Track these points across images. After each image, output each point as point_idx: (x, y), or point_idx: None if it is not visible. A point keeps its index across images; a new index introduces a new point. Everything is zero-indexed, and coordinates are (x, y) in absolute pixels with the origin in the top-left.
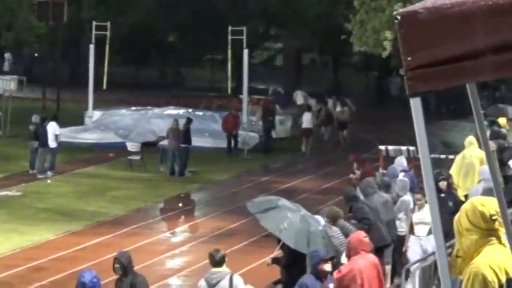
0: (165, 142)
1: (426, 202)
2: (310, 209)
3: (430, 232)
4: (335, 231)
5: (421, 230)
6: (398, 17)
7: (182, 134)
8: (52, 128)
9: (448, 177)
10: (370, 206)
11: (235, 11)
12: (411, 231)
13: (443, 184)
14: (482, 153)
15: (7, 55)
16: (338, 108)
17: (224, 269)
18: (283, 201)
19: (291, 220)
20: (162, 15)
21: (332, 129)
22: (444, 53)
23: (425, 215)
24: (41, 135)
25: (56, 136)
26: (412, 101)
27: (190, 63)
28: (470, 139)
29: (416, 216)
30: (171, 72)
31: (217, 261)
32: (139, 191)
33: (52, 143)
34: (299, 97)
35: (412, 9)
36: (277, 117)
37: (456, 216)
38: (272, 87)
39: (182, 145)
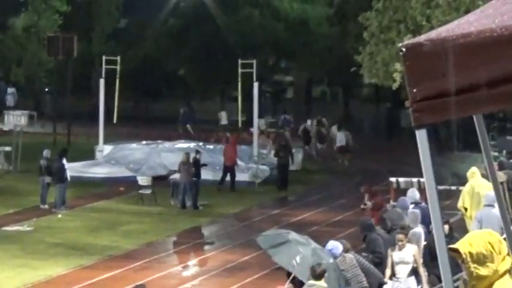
0: (176, 176)
1: (408, 242)
2: (320, 241)
3: (410, 273)
4: (348, 263)
5: (401, 271)
6: (403, 49)
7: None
8: (65, 163)
9: (448, 221)
10: (384, 237)
11: (245, 43)
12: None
13: (445, 228)
14: (487, 183)
15: (10, 90)
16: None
17: (322, 283)
18: (293, 235)
19: (302, 255)
20: (171, 48)
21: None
22: (449, 85)
23: (405, 255)
24: (58, 170)
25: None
26: (417, 132)
27: (200, 96)
28: (473, 170)
29: (396, 256)
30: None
31: (317, 275)
32: (151, 225)
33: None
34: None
35: (417, 41)
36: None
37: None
38: (283, 116)
39: (193, 178)
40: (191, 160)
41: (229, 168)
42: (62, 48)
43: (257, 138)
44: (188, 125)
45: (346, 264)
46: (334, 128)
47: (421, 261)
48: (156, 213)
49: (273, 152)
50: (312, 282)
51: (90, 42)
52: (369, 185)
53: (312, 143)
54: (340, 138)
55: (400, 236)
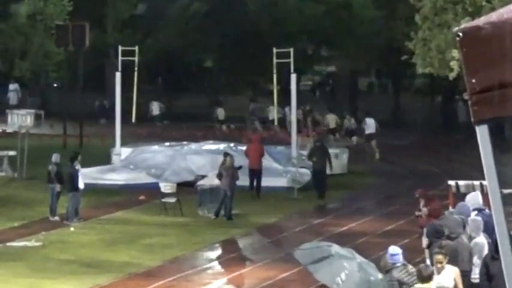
0: (203, 182)
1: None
2: (370, 255)
3: None
4: (411, 272)
5: None
6: (460, 34)
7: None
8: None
9: None
10: (450, 246)
11: (280, 29)
12: None
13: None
14: None
15: (13, 86)
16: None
17: (430, 286)
18: (336, 248)
19: (348, 270)
20: (196, 36)
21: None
22: None
23: (445, 279)
24: (69, 177)
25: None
26: (478, 129)
27: (230, 90)
28: None
29: (434, 281)
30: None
31: (425, 277)
32: (176, 238)
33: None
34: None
35: (475, 24)
36: (332, 151)
37: None
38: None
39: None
40: (228, 163)
41: (256, 172)
42: (71, 38)
43: (296, 138)
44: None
45: (407, 274)
46: (368, 120)
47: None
48: (181, 225)
49: None
50: (419, 286)
51: (103, 31)
52: (424, 188)
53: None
54: (370, 124)
55: (439, 257)
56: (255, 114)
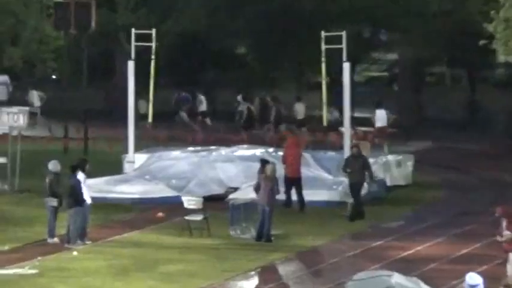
0: (236, 195)
1: None
2: (441, 285)
3: None
4: None
5: None
6: None
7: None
8: (81, 179)
9: None
10: None
11: (330, 8)
12: None
13: None
14: None
15: (2, 78)
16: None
17: None
18: (397, 278)
19: None
20: (225, 17)
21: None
22: None
23: None
24: (71, 190)
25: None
26: None
27: (268, 82)
28: None
29: None
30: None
31: None
32: (201, 265)
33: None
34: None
35: None
36: (392, 157)
37: None
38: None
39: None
40: (269, 172)
41: (294, 181)
42: (74, 19)
43: (349, 141)
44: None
45: None
46: (378, 111)
47: None
48: (208, 248)
49: (372, 159)
50: None
51: (113, 10)
52: (506, 206)
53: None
54: (381, 116)
55: None
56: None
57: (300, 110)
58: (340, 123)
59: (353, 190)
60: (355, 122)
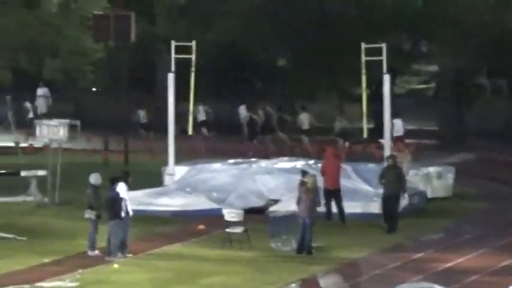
0: (276, 207)
1: None
2: None
3: None
4: None
5: None
6: None
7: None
8: (122, 191)
9: None
10: None
11: (370, 19)
12: None
13: None
14: None
15: (41, 90)
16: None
17: None
18: None
19: None
20: (265, 28)
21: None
22: None
23: None
24: (112, 202)
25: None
26: None
27: (308, 94)
28: None
29: None
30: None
31: None
32: (242, 277)
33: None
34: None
35: None
36: (433, 169)
37: None
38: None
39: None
40: (310, 184)
41: (333, 193)
42: (113, 31)
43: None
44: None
45: None
46: (396, 121)
47: None
48: (249, 261)
49: (410, 172)
50: None
51: (152, 22)
52: None
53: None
54: (397, 125)
55: None
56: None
57: (304, 119)
58: (347, 132)
59: (388, 201)
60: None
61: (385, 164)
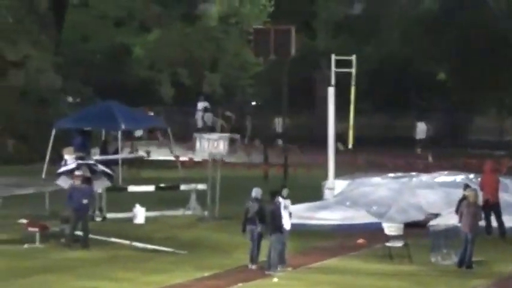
0: (437, 222)
1: None
2: None
3: None
4: None
5: None
6: None
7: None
8: (282, 204)
9: None
10: None
11: None
12: None
13: None
14: None
15: (201, 104)
16: None
17: None
18: None
19: None
20: (425, 42)
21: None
22: None
23: None
24: (272, 216)
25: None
26: None
27: (468, 107)
28: None
29: None
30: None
31: None
32: None
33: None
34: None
35: None
36: None
37: None
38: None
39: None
40: (472, 198)
41: (491, 207)
42: (273, 46)
43: None
44: None
45: None
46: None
47: None
48: (409, 274)
49: None
50: None
51: (312, 36)
52: None
53: None
54: (420, 130)
55: None
56: None
57: (421, 129)
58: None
59: (486, 207)
60: None
61: None
